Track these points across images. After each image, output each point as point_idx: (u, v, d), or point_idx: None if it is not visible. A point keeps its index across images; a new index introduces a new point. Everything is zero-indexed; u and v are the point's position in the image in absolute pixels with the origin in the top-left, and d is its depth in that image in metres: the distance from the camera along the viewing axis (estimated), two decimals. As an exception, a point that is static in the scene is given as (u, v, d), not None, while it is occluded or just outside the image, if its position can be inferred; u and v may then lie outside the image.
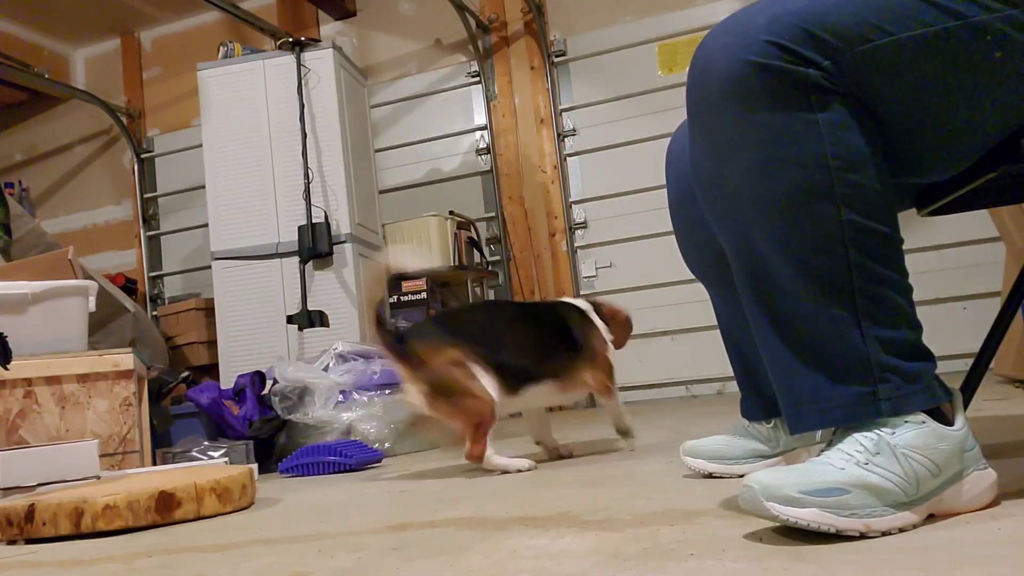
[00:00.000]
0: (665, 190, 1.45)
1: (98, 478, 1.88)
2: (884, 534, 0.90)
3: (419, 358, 1.84)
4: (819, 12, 0.94)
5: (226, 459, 2.38)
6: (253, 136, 3.86)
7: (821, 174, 0.94)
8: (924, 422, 0.94)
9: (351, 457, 2.31)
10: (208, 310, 4.33)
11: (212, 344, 4.29)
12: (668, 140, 1.45)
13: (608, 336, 2.05)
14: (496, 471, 1.86)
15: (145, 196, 5.59)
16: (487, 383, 1.83)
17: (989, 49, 0.94)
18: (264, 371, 2.88)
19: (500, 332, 1.94)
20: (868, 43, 0.94)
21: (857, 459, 0.92)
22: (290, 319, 3.58)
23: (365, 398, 2.71)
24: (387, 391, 2.76)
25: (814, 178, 0.95)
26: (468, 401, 1.81)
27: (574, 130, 4.84)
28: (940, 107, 0.98)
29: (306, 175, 3.69)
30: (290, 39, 3.91)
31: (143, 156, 5.61)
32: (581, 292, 4.76)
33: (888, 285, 0.96)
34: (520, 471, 1.85)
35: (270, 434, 2.72)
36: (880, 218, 0.96)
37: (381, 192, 4.49)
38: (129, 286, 5.07)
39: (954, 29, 0.93)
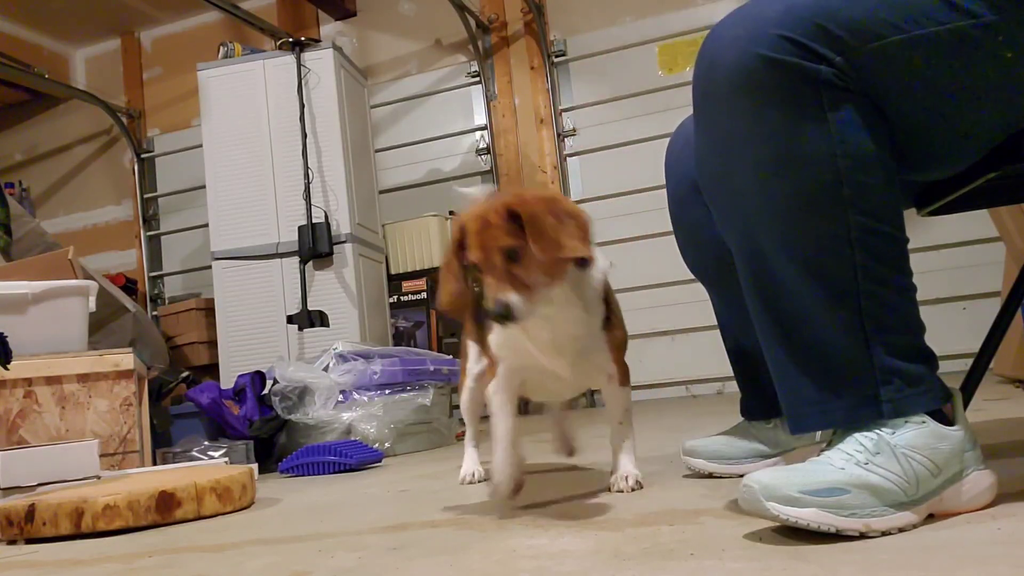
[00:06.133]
0: (665, 190, 1.45)
1: (98, 478, 1.88)
2: (884, 534, 0.90)
3: None
4: (832, 7, 0.93)
5: (226, 459, 2.38)
6: (253, 136, 3.86)
7: (829, 174, 0.93)
8: (924, 422, 0.94)
9: (351, 457, 2.31)
10: (208, 310, 4.33)
11: (212, 344, 4.29)
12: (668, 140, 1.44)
13: None
14: None
15: (145, 196, 5.59)
16: None
17: (1000, 49, 0.93)
18: (264, 371, 2.88)
19: None
20: (881, 40, 0.92)
21: (857, 459, 0.92)
22: (290, 319, 3.58)
23: (365, 398, 2.71)
24: (387, 391, 2.76)
25: (822, 178, 0.94)
26: None
27: (574, 130, 4.84)
28: (948, 105, 0.97)
29: (306, 175, 3.69)
30: (290, 39, 3.91)
31: (143, 156, 5.60)
32: (581, 292, 4.75)
33: (893, 287, 0.96)
34: None
35: (270, 434, 2.72)
36: (887, 219, 0.95)
37: (381, 192, 4.49)
38: (129, 286, 5.07)
39: (967, 28, 0.92)
